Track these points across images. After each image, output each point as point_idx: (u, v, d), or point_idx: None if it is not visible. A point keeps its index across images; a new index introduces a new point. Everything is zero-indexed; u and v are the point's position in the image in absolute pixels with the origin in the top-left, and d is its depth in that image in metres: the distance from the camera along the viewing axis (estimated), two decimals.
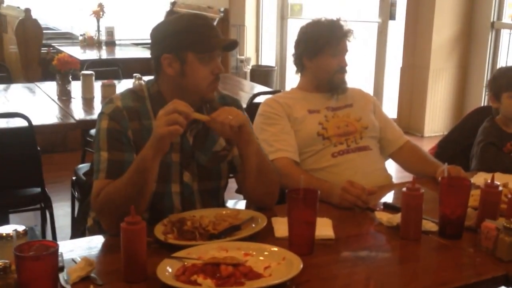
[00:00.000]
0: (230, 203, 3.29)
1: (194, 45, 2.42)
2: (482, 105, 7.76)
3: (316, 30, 3.14)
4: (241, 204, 3.72)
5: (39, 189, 4.13)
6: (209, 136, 2.59)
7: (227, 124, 2.33)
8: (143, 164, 2.26)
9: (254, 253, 2.09)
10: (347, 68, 3.16)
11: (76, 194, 4.11)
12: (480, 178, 2.79)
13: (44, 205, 4.18)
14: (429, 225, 2.35)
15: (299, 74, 3.26)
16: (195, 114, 2.28)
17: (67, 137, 7.01)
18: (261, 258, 2.06)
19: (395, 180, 3.23)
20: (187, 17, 2.50)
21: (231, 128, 2.34)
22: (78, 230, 2.80)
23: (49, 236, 4.26)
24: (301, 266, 1.96)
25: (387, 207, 2.63)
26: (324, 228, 2.33)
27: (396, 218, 2.37)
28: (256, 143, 2.51)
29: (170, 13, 10.61)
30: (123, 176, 2.30)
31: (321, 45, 3.09)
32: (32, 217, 4.95)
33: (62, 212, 4.97)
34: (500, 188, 2.36)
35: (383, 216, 2.46)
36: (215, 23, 9.13)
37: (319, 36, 3.10)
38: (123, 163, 2.37)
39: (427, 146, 3.37)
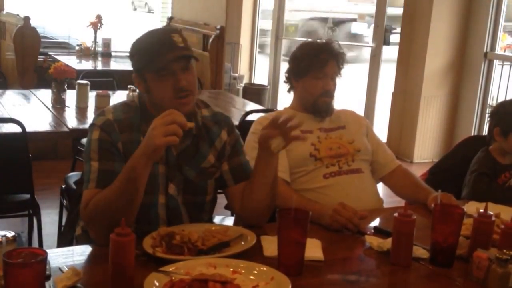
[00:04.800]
0: (217, 219, 3.28)
1: (148, 64, 2.44)
2: (473, 133, 7.80)
3: (303, 51, 3.16)
4: (229, 221, 3.72)
5: (28, 196, 4.11)
6: (198, 152, 2.59)
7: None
8: (133, 173, 2.25)
9: (243, 271, 2.08)
10: (334, 91, 3.16)
11: (65, 202, 4.09)
12: (472, 207, 2.79)
13: (32, 211, 4.16)
14: (419, 251, 2.34)
15: (291, 92, 3.27)
16: (189, 123, 2.27)
17: (57, 145, 6.99)
18: (250, 277, 2.05)
19: (385, 204, 3.22)
20: (145, 35, 2.52)
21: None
22: (66, 238, 2.78)
23: (35, 243, 4.24)
24: (290, 287, 1.94)
25: (378, 231, 2.62)
26: (313, 249, 2.32)
27: (387, 243, 2.36)
28: (277, 157, 2.51)
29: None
30: (112, 185, 2.30)
31: (306, 67, 3.11)
32: (19, 223, 4.93)
33: (49, 220, 4.94)
34: (493, 218, 2.36)
35: (373, 241, 2.45)
36: (210, 40, 9.16)
37: (305, 57, 3.12)
38: (113, 173, 2.36)
39: (416, 172, 3.37)
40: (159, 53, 2.41)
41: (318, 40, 3.18)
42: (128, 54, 2.59)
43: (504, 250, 2.12)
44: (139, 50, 2.49)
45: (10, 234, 2.02)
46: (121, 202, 2.26)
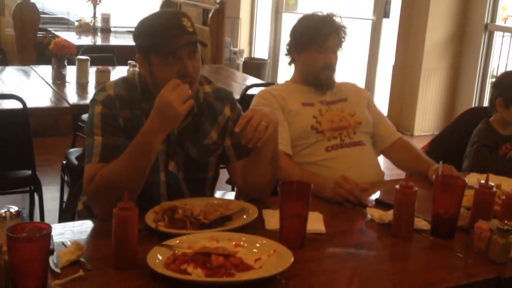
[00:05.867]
0: (218, 194, 3.29)
1: (155, 47, 2.40)
2: (473, 106, 7.79)
3: (304, 25, 3.14)
4: (230, 195, 3.73)
5: (29, 172, 4.12)
6: (200, 130, 2.59)
7: (259, 131, 2.35)
8: (149, 146, 2.27)
9: (245, 244, 2.09)
10: (336, 65, 3.15)
11: (66, 178, 4.10)
12: (473, 179, 2.79)
13: (34, 188, 4.18)
14: (421, 223, 2.35)
15: (292, 65, 3.26)
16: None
17: (58, 121, 6.99)
18: (252, 250, 2.06)
19: (386, 177, 3.22)
20: (153, 16, 2.49)
21: (257, 134, 2.36)
22: (68, 214, 2.79)
23: (37, 219, 4.26)
24: (292, 260, 1.95)
25: (379, 203, 2.64)
26: (315, 222, 2.33)
27: (388, 216, 2.37)
28: (277, 130, 2.51)
29: (165, 3, 10.58)
30: (121, 158, 2.30)
31: (307, 41, 3.09)
32: (19, 199, 4.94)
33: (50, 196, 4.95)
34: (494, 189, 2.37)
35: (374, 213, 2.46)
36: (210, 14, 9.13)
37: (306, 31, 3.10)
38: (117, 148, 2.37)
39: (416, 145, 3.37)
40: (169, 37, 2.37)
41: (319, 13, 3.15)
42: (132, 33, 2.56)
43: (505, 221, 2.13)
44: (146, 31, 2.45)
45: (13, 209, 2.03)
46: (133, 176, 2.28)
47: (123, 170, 2.27)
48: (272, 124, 2.38)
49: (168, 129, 2.31)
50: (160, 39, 2.38)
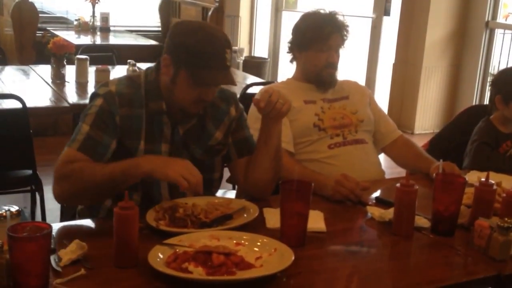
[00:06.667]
0: (219, 193, 3.28)
1: (190, 67, 2.38)
2: (474, 103, 7.78)
3: (307, 23, 3.13)
4: (230, 194, 3.72)
5: (30, 171, 4.12)
6: (205, 131, 2.59)
7: (277, 108, 2.41)
8: (132, 171, 2.26)
9: (246, 243, 2.09)
10: (338, 63, 3.14)
11: None
12: (473, 176, 2.79)
13: (35, 187, 4.18)
14: (421, 221, 2.35)
15: (294, 63, 3.26)
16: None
17: (58, 121, 6.99)
18: (253, 248, 2.06)
19: (386, 176, 3.22)
20: (202, 33, 2.38)
21: (274, 110, 2.42)
22: (69, 213, 2.80)
23: (38, 219, 4.25)
24: (293, 258, 1.95)
25: (379, 201, 2.64)
26: (315, 220, 2.33)
27: (388, 214, 2.37)
28: (281, 123, 2.53)
29: (163, 4, 10.59)
30: (105, 165, 2.31)
31: (309, 40, 3.08)
32: (21, 199, 4.94)
33: (51, 195, 4.92)
34: (495, 186, 2.37)
35: (375, 211, 2.46)
36: (209, 13, 9.12)
37: (309, 30, 3.09)
38: (99, 144, 2.38)
39: (417, 143, 3.36)
40: (209, 68, 2.36)
41: (322, 11, 3.14)
42: (172, 32, 2.46)
43: (506, 219, 2.14)
44: (188, 45, 2.37)
45: (14, 208, 2.03)
46: (105, 186, 2.28)
47: (99, 177, 2.27)
48: (287, 103, 2.43)
49: (154, 173, 2.24)
50: (200, 64, 2.35)
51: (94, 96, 2.49)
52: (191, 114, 2.51)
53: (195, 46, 2.35)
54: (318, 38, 3.06)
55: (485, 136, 3.32)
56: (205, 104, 2.48)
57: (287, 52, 3.24)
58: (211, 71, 2.36)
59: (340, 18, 3.12)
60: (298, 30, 3.15)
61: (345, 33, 3.12)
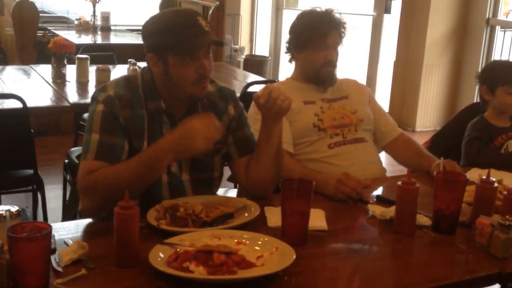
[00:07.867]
0: (220, 191, 3.28)
1: (173, 47, 2.37)
2: (475, 101, 7.76)
3: (303, 22, 3.12)
4: (231, 193, 3.72)
5: (31, 171, 4.12)
6: None
7: (278, 105, 2.40)
8: (158, 163, 2.28)
9: (247, 242, 2.09)
10: (337, 61, 3.13)
11: (68, 177, 4.10)
12: (474, 174, 2.78)
13: (36, 187, 4.19)
14: (422, 219, 2.35)
15: (292, 63, 3.25)
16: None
17: (60, 120, 6.99)
18: (254, 247, 2.05)
19: (387, 174, 3.21)
20: (168, 15, 2.44)
21: (275, 107, 2.41)
22: (71, 212, 2.79)
23: (40, 218, 4.26)
24: (294, 257, 1.95)
25: (381, 200, 2.63)
26: (317, 219, 2.33)
27: (390, 212, 2.37)
28: (281, 122, 2.53)
29: (164, 2, 10.58)
30: (128, 164, 2.30)
31: (307, 39, 3.07)
32: (23, 198, 4.95)
33: (54, 195, 4.96)
34: (496, 184, 2.36)
35: (376, 209, 2.46)
36: (210, 11, 9.12)
37: (305, 29, 3.08)
38: (113, 147, 2.37)
39: (418, 140, 3.36)
40: (188, 37, 2.36)
41: (318, 9, 3.13)
42: (142, 32, 2.50)
43: (507, 216, 2.13)
44: (162, 30, 2.40)
45: (14, 208, 2.03)
46: (134, 185, 2.24)
47: (126, 177, 2.26)
48: (288, 100, 2.42)
49: (180, 156, 2.34)
50: (178, 39, 2.35)
51: (94, 101, 2.48)
52: (200, 98, 2.49)
53: (166, 27, 2.39)
54: (315, 37, 3.05)
55: (476, 130, 3.33)
56: (207, 80, 2.46)
57: (286, 52, 3.24)
58: (193, 40, 2.36)
59: (337, 15, 3.11)
60: (295, 29, 3.14)
61: (343, 30, 3.11)
